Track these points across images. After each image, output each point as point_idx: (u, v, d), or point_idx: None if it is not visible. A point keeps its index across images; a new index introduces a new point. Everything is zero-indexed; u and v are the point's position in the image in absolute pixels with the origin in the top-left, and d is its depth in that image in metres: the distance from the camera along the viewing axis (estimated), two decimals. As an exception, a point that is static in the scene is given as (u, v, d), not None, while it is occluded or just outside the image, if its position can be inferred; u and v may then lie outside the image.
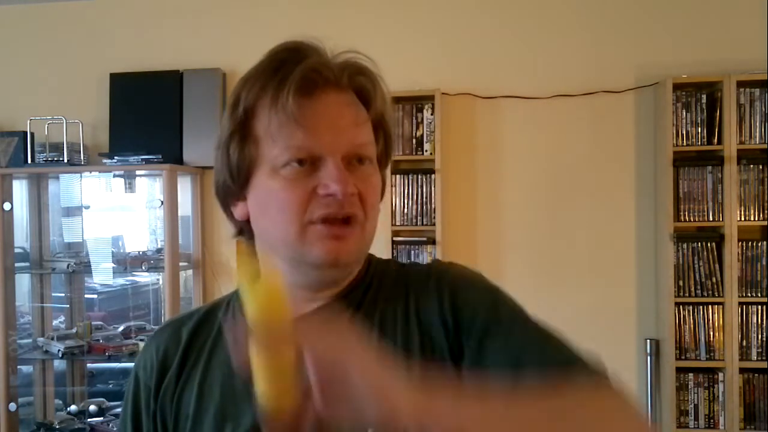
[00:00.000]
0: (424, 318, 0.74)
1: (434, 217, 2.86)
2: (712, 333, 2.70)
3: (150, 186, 3.19)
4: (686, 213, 2.72)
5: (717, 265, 2.71)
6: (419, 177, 2.89)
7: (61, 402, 3.21)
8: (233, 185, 0.76)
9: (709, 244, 2.71)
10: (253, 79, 0.73)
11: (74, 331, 3.06)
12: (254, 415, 0.72)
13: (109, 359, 2.95)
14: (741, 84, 2.67)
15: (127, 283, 3.37)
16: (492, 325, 0.70)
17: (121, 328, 3.11)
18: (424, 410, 0.50)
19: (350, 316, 0.76)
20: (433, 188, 2.87)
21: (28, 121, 3.00)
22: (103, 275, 3.08)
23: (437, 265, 0.82)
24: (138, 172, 3.01)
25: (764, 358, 2.66)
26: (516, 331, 0.70)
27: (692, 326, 2.71)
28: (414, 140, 2.91)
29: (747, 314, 2.68)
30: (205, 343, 0.81)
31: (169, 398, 0.78)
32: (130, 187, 3.06)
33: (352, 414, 0.50)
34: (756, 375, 2.68)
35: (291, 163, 0.70)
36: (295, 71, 0.70)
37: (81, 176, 3.09)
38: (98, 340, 3.00)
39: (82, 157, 3.03)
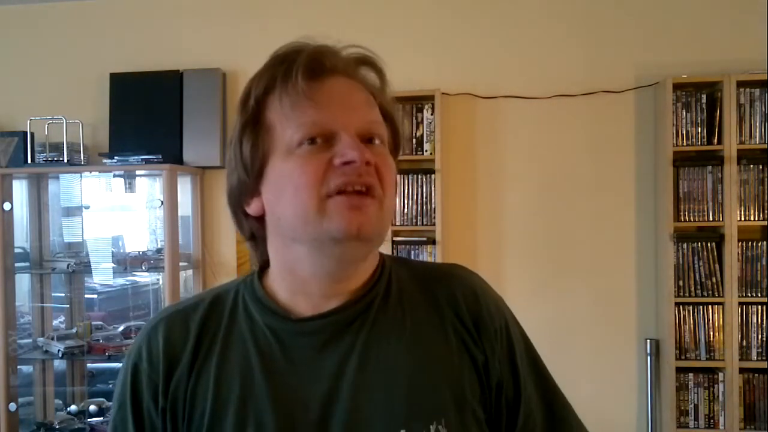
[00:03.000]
0: (467, 339, 0.79)
1: (434, 217, 2.86)
2: (712, 333, 2.70)
3: (150, 186, 3.18)
4: (686, 213, 2.72)
5: (717, 265, 2.71)
6: (419, 177, 2.89)
7: (61, 402, 3.21)
8: (248, 179, 0.76)
9: (709, 244, 2.71)
10: (261, 73, 0.75)
11: (74, 331, 3.06)
12: (276, 410, 0.73)
13: (109, 359, 2.95)
14: (741, 84, 2.67)
15: (127, 283, 3.37)
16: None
17: (121, 328, 3.11)
18: None
19: (375, 316, 0.77)
20: (433, 188, 2.87)
21: (28, 121, 3.00)
22: (103, 275, 3.08)
23: (470, 282, 0.84)
24: (138, 172, 3.02)
25: (764, 358, 2.66)
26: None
27: (692, 326, 2.71)
28: (414, 140, 2.91)
29: (747, 314, 2.68)
30: (216, 335, 0.79)
31: (181, 394, 0.76)
32: (130, 187, 3.06)
33: None
34: (756, 375, 2.68)
35: (304, 142, 0.71)
36: (301, 55, 0.73)
37: (81, 176, 3.09)
38: (98, 340, 3.00)
39: (82, 157, 3.03)
